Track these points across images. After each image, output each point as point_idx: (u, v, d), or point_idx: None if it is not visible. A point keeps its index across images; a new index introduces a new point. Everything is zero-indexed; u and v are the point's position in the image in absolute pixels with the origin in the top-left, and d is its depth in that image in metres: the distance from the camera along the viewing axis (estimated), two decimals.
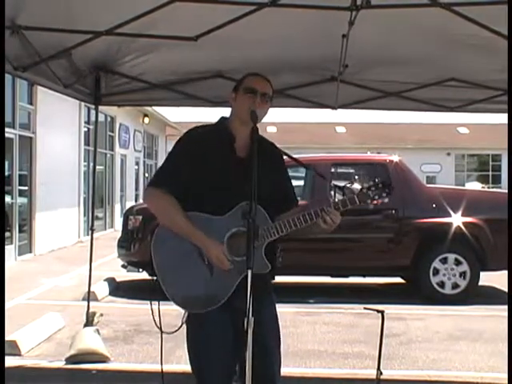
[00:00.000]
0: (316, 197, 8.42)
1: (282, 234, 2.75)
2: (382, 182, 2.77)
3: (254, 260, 2.55)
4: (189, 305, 2.82)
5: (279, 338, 2.94)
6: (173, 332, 2.91)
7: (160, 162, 28.04)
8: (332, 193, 2.97)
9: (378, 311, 3.77)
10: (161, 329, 2.94)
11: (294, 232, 2.77)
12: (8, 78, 10.77)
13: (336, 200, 2.78)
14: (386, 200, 2.77)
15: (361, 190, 2.77)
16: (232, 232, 2.75)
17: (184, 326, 2.89)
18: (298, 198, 3.14)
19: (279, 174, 2.98)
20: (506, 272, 7.54)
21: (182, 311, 2.88)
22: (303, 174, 9.40)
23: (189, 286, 2.79)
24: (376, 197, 2.75)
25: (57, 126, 14.35)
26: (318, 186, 8.71)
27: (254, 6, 3.50)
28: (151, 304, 2.89)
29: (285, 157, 3.16)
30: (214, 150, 2.84)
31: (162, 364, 3.18)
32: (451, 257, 8.60)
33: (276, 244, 2.87)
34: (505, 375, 3.74)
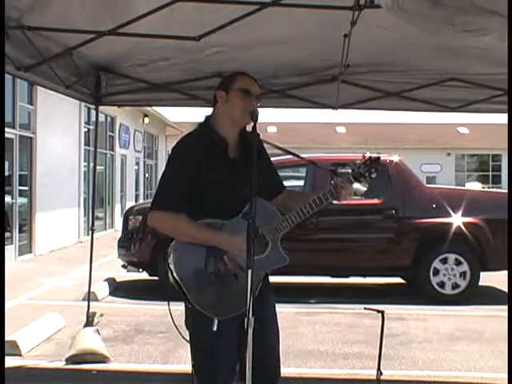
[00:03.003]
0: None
1: (295, 224, 2.81)
2: (371, 159, 2.87)
3: (273, 255, 2.70)
4: (219, 312, 2.77)
5: (279, 338, 2.95)
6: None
7: (160, 162, 28.08)
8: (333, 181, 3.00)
9: (378, 311, 3.77)
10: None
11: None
12: (8, 77, 10.76)
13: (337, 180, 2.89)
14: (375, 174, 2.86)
15: (353, 170, 2.90)
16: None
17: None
18: None
19: (265, 162, 3.01)
20: (506, 272, 7.54)
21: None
22: (303, 174, 9.39)
23: (215, 294, 2.77)
24: (367, 174, 2.84)
25: (57, 126, 14.35)
26: (318, 184, 8.67)
27: (256, 6, 3.50)
28: (169, 305, 2.86)
29: (289, 156, 3.22)
30: (207, 156, 2.81)
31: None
32: (451, 257, 8.59)
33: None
34: (505, 375, 3.74)
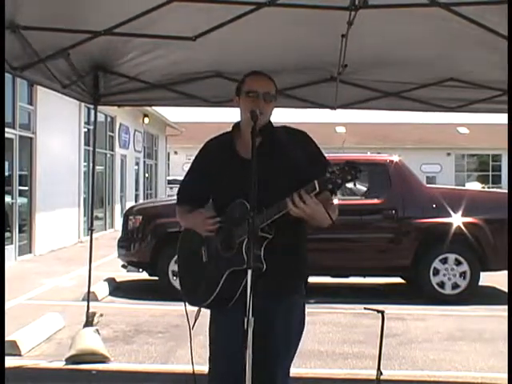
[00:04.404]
0: None
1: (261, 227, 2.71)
2: (349, 165, 2.52)
3: (237, 256, 2.69)
4: (192, 301, 2.96)
5: (289, 341, 2.89)
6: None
7: (160, 163, 28.12)
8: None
9: (378, 311, 3.77)
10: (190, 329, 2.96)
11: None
12: (8, 77, 10.76)
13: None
14: (358, 186, 2.60)
15: (327, 177, 2.56)
16: (223, 229, 2.83)
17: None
18: None
19: (295, 159, 2.83)
20: (506, 272, 7.53)
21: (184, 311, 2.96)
22: None
23: (191, 284, 2.96)
24: (339, 181, 2.51)
25: (57, 127, 14.35)
26: None
27: (252, 6, 3.51)
28: (185, 306, 2.95)
29: None
30: (220, 157, 2.92)
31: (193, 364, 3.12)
32: (451, 257, 8.59)
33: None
34: (505, 375, 3.74)
